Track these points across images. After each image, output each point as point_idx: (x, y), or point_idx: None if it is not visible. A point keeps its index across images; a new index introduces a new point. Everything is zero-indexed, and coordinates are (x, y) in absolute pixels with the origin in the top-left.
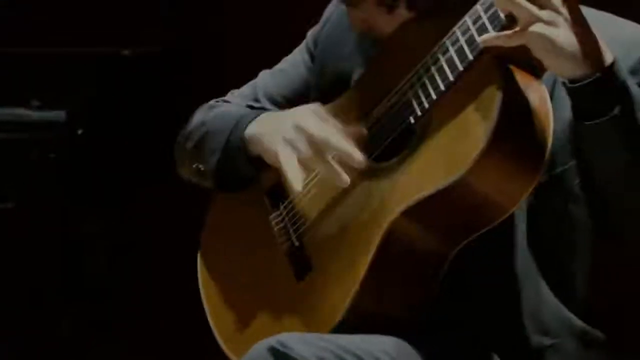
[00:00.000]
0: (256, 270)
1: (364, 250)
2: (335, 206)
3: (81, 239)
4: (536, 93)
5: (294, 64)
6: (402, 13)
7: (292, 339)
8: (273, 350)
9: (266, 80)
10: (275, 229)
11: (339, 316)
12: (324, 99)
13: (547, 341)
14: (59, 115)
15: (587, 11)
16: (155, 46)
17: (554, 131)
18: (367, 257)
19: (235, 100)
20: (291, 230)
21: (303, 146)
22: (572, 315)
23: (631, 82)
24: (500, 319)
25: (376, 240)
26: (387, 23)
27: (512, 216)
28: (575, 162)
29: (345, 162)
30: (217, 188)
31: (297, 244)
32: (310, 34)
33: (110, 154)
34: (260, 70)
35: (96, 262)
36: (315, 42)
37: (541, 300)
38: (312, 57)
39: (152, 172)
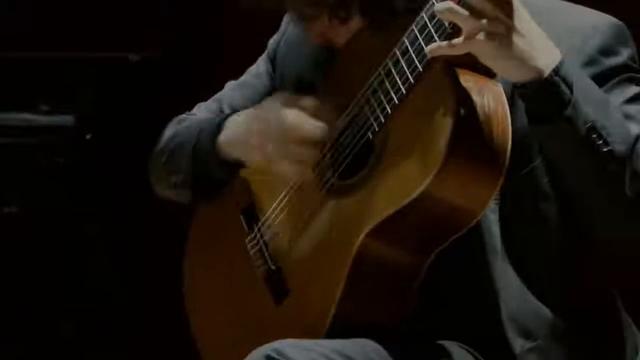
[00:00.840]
0: (236, 292)
1: (337, 271)
2: (306, 227)
3: (88, 243)
4: (492, 94)
5: (257, 74)
6: (358, 22)
7: (288, 346)
8: (269, 359)
9: (231, 92)
10: (252, 251)
11: (318, 338)
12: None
13: (529, 344)
14: (67, 119)
15: (542, 1)
16: (159, 49)
17: (518, 129)
18: (341, 278)
19: (202, 113)
20: (266, 254)
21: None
22: (552, 316)
23: (581, 80)
24: (481, 323)
25: (348, 260)
26: (343, 34)
27: (484, 219)
28: (542, 160)
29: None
30: (193, 198)
31: (273, 267)
32: (271, 43)
33: (118, 158)
34: None
35: (103, 266)
36: (275, 52)
37: (520, 302)
38: (274, 66)
39: None
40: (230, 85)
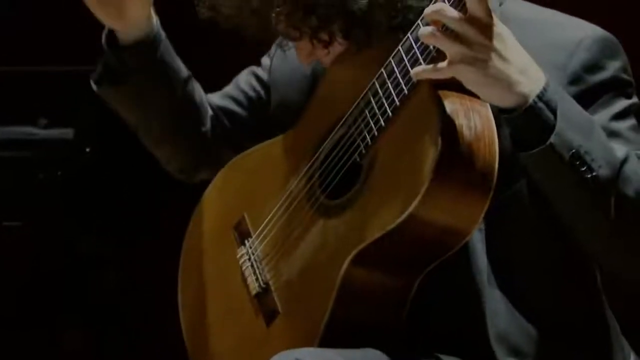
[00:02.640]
0: (230, 306)
1: (324, 295)
2: (295, 246)
3: (87, 257)
4: (478, 115)
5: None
6: (341, 44)
7: (307, 354)
8: None
9: (243, 75)
10: (243, 268)
11: None
12: (275, 126)
13: None
14: (66, 133)
15: (528, 11)
16: None
17: (504, 149)
18: (328, 302)
19: (214, 96)
20: (257, 272)
21: None
22: (541, 334)
23: (566, 104)
24: (469, 343)
25: (335, 285)
26: (329, 55)
27: (470, 239)
28: (526, 180)
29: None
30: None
31: (263, 286)
32: (263, 60)
33: (117, 171)
34: None
35: (102, 280)
36: (268, 70)
37: (508, 321)
38: (266, 86)
39: (160, 190)
40: (246, 69)
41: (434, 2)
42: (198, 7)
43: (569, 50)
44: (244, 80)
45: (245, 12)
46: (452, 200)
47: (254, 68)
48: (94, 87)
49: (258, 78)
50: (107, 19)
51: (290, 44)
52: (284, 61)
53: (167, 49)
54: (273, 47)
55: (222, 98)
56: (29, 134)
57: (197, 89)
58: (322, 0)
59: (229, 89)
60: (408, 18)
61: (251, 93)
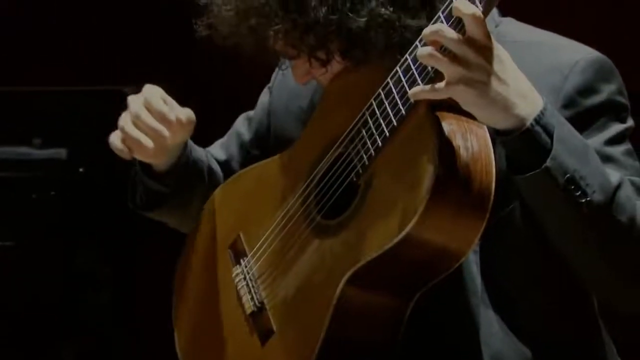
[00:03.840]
0: (226, 325)
1: (319, 316)
2: (290, 265)
3: (82, 276)
4: (476, 136)
5: (261, 106)
6: (338, 63)
7: None
8: None
9: (240, 126)
10: (239, 287)
11: None
12: (275, 146)
13: None
14: (60, 153)
15: (524, 33)
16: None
17: (497, 171)
18: (323, 323)
19: (214, 148)
20: (253, 291)
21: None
22: (535, 356)
23: (562, 128)
24: None
25: (331, 303)
26: (326, 74)
27: (464, 261)
28: (519, 202)
29: None
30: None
31: (258, 305)
32: (260, 98)
33: (111, 192)
34: None
35: (97, 299)
36: (272, 85)
37: (502, 343)
38: (264, 124)
39: None
40: (240, 118)
41: (433, 23)
42: (196, 25)
43: (563, 73)
44: (242, 125)
45: (242, 30)
46: (448, 220)
47: (249, 113)
48: (131, 206)
49: (255, 120)
50: (147, 159)
51: (288, 63)
52: (283, 93)
53: (195, 151)
54: (272, 79)
55: (224, 151)
56: (23, 154)
57: (212, 162)
58: (320, 19)
59: (229, 140)
60: (406, 37)
61: (250, 136)
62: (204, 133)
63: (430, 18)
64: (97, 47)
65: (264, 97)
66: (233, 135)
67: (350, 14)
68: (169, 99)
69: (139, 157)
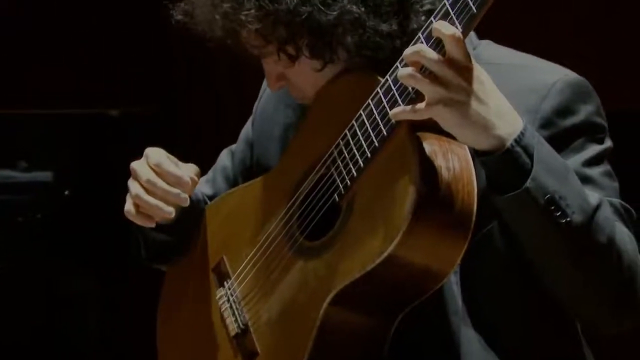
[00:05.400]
0: (209, 348)
1: (302, 337)
2: (274, 287)
3: (68, 299)
4: (457, 156)
5: (244, 139)
6: (307, 62)
7: None
8: None
9: (223, 161)
10: (222, 309)
11: None
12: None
13: None
14: (45, 175)
15: (501, 55)
16: (145, 106)
17: (478, 190)
18: (307, 344)
19: (200, 185)
20: (237, 313)
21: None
22: None
23: (542, 149)
24: None
25: (313, 327)
26: (298, 75)
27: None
28: (498, 222)
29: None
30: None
31: (242, 327)
32: (242, 132)
33: (96, 214)
34: None
35: (84, 322)
36: (254, 116)
37: (482, 359)
38: (253, 130)
39: None
40: (223, 153)
41: (413, 44)
42: (172, 11)
43: (540, 93)
44: (226, 158)
45: (215, 15)
46: (431, 240)
47: (232, 147)
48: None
49: (238, 152)
50: (166, 221)
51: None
52: (265, 123)
53: (193, 194)
54: (253, 111)
55: (210, 186)
56: (8, 178)
57: (205, 199)
58: (291, 8)
59: (214, 175)
60: (375, 40)
61: (235, 169)
62: (197, 154)
63: (402, 25)
64: (84, 70)
65: (246, 130)
66: (218, 169)
67: (321, 7)
68: (173, 158)
69: (159, 221)
